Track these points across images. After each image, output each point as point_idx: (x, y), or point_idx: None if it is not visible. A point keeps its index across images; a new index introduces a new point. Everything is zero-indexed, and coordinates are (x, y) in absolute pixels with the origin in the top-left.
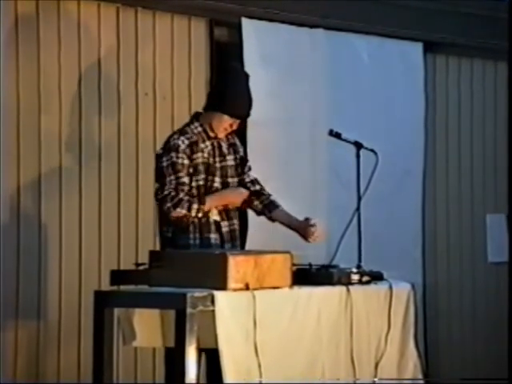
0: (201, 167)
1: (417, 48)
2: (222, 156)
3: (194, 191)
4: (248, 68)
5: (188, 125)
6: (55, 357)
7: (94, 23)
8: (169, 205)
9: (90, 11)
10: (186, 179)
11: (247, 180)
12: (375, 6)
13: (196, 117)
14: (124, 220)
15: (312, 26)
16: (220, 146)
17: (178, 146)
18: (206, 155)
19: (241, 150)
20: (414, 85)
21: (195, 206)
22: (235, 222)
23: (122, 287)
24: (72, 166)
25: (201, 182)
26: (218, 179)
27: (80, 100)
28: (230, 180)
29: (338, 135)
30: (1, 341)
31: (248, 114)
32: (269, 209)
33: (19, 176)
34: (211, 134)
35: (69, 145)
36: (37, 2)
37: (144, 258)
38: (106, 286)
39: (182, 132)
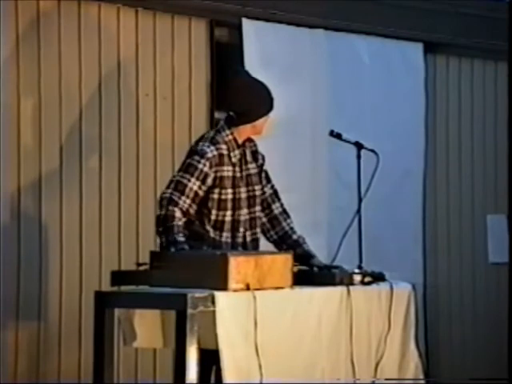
0: (227, 181)
1: (417, 48)
2: (246, 164)
3: (223, 204)
4: (248, 68)
5: (219, 132)
6: (56, 357)
7: (94, 24)
8: (162, 209)
9: (90, 12)
10: (195, 186)
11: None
12: (375, 6)
13: (227, 123)
14: (124, 220)
15: (312, 26)
16: (245, 154)
17: (205, 153)
18: (233, 166)
19: (260, 157)
20: (415, 85)
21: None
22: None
23: (123, 288)
24: (72, 166)
25: (229, 196)
26: (243, 189)
27: (80, 100)
28: (255, 187)
29: (338, 136)
30: (1, 341)
31: (272, 100)
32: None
33: (20, 176)
34: (240, 142)
35: (69, 145)
36: (37, 3)
37: (145, 258)
38: (106, 286)
39: (212, 141)
